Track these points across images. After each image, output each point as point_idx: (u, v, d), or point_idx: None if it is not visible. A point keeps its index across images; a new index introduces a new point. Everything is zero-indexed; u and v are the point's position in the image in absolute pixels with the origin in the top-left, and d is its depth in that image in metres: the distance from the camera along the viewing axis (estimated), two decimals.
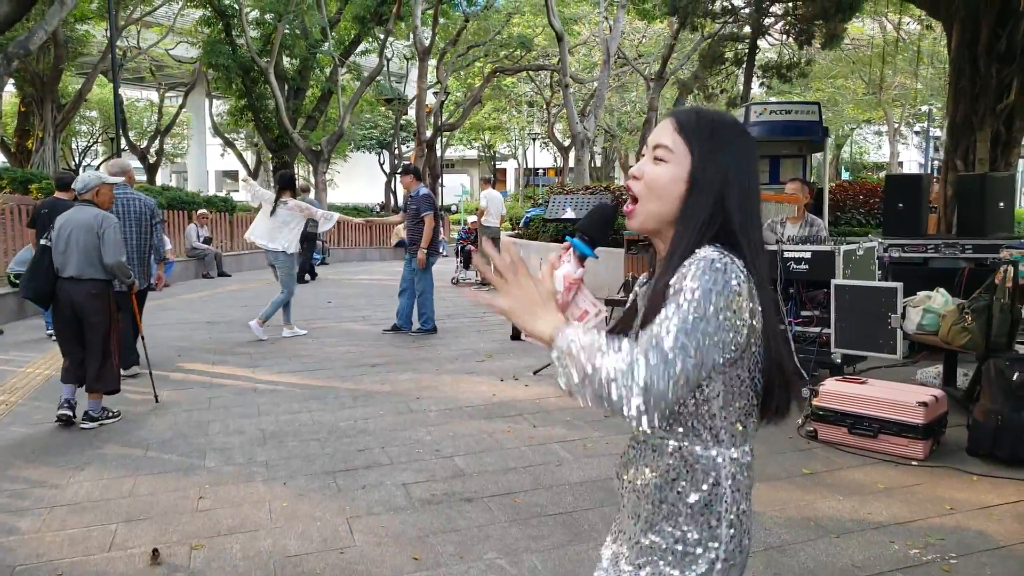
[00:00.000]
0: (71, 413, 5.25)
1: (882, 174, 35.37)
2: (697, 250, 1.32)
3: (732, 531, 1.39)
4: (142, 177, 33.51)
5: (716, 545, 1.37)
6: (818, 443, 4.66)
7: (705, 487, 1.38)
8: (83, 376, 5.26)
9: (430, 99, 24.86)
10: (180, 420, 5.38)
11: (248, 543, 3.39)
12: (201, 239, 15.86)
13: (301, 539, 3.43)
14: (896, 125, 33.57)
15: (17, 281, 9.96)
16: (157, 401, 5.88)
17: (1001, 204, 6.74)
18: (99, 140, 37.16)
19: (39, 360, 7.42)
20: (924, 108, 29.14)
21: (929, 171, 29.01)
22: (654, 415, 1.19)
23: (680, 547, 1.38)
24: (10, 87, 20.52)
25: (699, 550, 1.37)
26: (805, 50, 14.37)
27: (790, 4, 13.14)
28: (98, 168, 20.27)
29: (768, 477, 4.12)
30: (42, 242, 5.30)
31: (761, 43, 15.50)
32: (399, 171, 8.50)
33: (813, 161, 9.59)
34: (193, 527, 3.57)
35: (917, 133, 35.88)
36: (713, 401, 1.37)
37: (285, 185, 8.35)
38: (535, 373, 6.48)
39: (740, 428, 1.40)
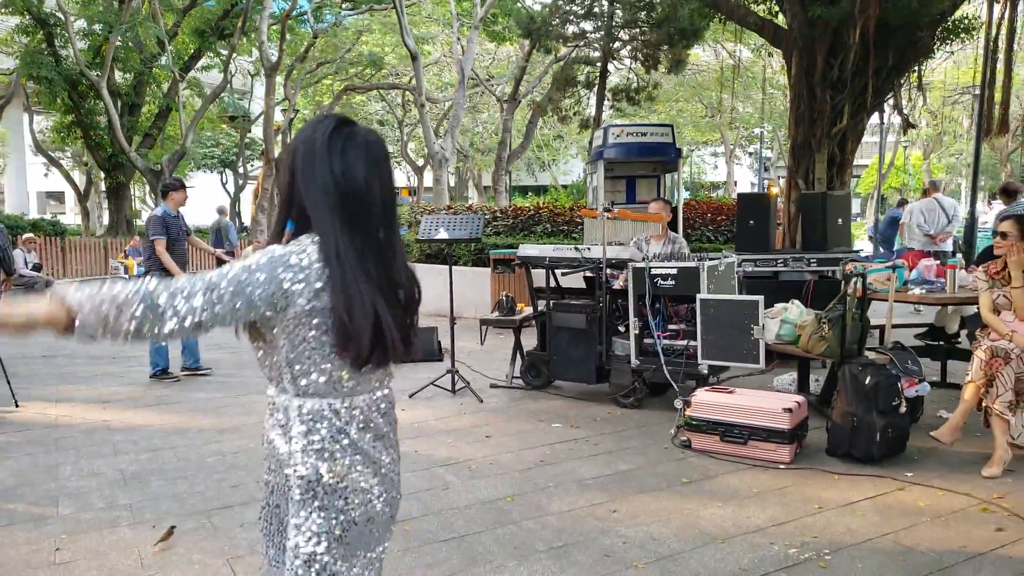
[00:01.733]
0: None
1: (719, 192, 37.73)
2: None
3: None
4: None
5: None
6: (692, 452, 4.88)
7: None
8: None
9: (278, 116, 24.17)
10: (24, 465, 4.90)
11: None
12: (29, 266, 14.61)
13: None
14: (732, 147, 35.97)
15: None
16: (17, 406, 6.25)
17: (839, 220, 7.38)
18: None
19: None
20: (757, 131, 31.37)
21: (760, 189, 31.24)
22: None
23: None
24: None
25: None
26: (651, 74, 15.14)
27: (638, 30, 13.83)
28: None
29: (651, 488, 4.27)
30: None
31: (610, 67, 16.20)
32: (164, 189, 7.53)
33: (667, 180, 10.09)
34: None
35: (750, 154, 38.54)
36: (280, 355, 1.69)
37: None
38: (410, 397, 6.41)
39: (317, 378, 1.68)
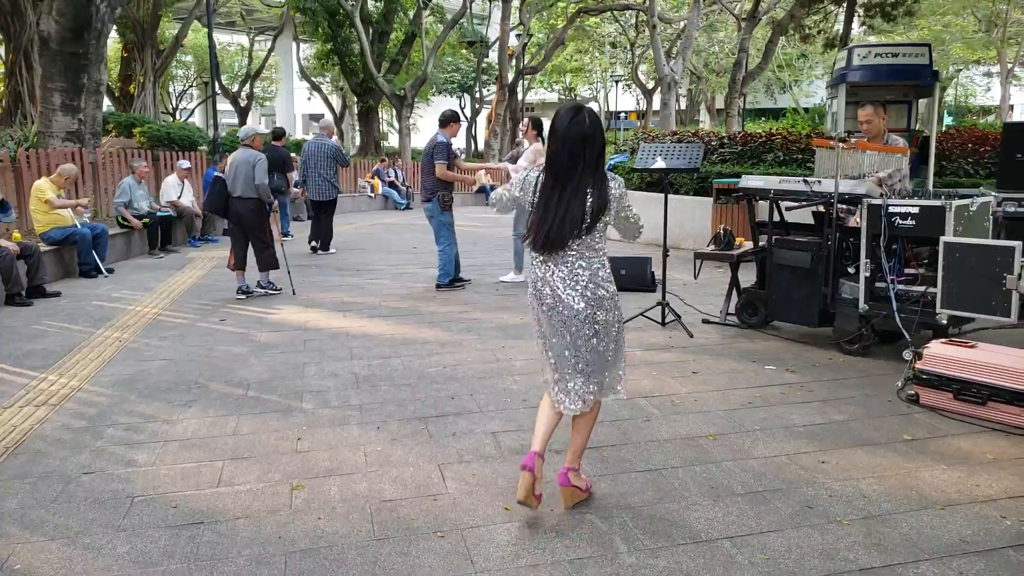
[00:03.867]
0: (245, 292, 7.91)
1: (989, 118, 33.18)
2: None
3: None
4: (233, 121, 34.38)
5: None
6: (920, 408, 4.47)
7: None
8: (244, 264, 7.93)
9: (512, 41, 24.46)
10: (278, 362, 5.56)
11: (345, 486, 3.49)
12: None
13: (395, 484, 3.51)
14: (1010, 66, 31.30)
15: (124, 222, 10.41)
16: (294, 294, 8.07)
17: None
18: (194, 84, 38.18)
19: (147, 300, 7.78)
20: None
21: None
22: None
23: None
24: (113, 34, 21.17)
25: None
26: None
27: None
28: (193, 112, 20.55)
29: (866, 442, 3.99)
30: (216, 173, 8.18)
31: None
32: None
33: (920, 107, 9.02)
34: (293, 468, 3.70)
35: None
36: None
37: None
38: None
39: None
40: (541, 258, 3.13)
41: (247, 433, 4.17)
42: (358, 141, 30.20)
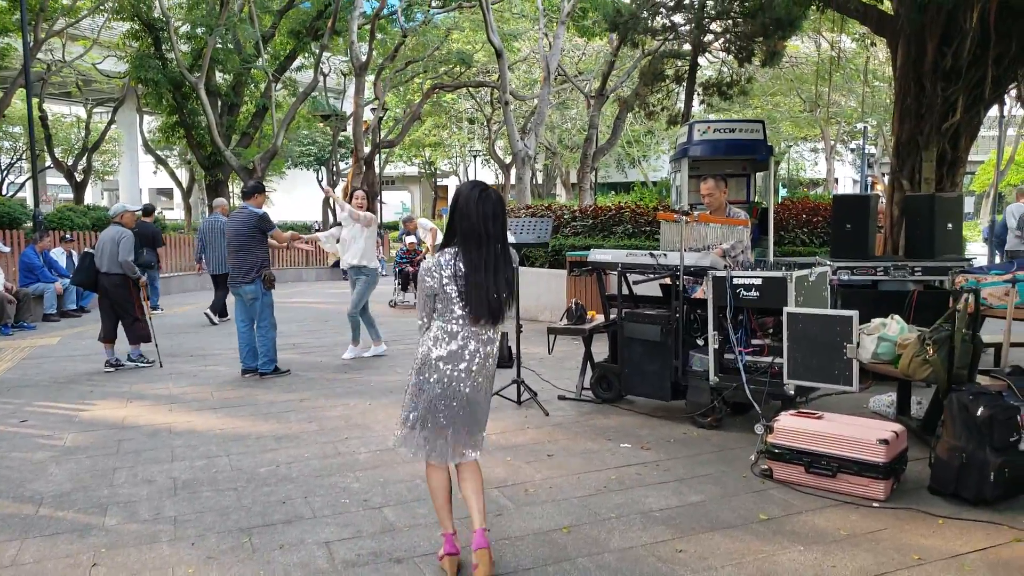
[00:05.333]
0: (114, 365, 8.17)
1: (819, 190, 36.08)
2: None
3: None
4: (68, 195, 32.16)
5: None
6: (774, 483, 4.40)
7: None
8: (113, 336, 8.20)
9: (368, 115, 24.39)
10: (83, 468, 4.86)
11: None
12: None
13: None
14: (832, 143, 34.30)
15: None
16: (161, 366, 8.28)
17: (949, 225, 6.65)
18: (23, 156, 35.59)
19: None
20: (860, 126, 29.75)
21: (864, 188, 29.61)
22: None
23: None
24: None
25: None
26: (745, 68, 14.40)
27: (730, 22, 13.12)
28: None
29: (723, 524, 3.83)
30: (85, 249, 8.84)
31: (701, 60, 15.51)
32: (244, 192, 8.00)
33: (757, 180, 9.47)
34: None
35: (852, 150, 36.73)
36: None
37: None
38: None
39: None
40: (462, 340, 3.24)
41: (29, 563, 3.52)
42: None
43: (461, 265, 3.16)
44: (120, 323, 8.18)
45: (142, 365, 8.30)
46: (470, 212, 3.15)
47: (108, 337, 8.19)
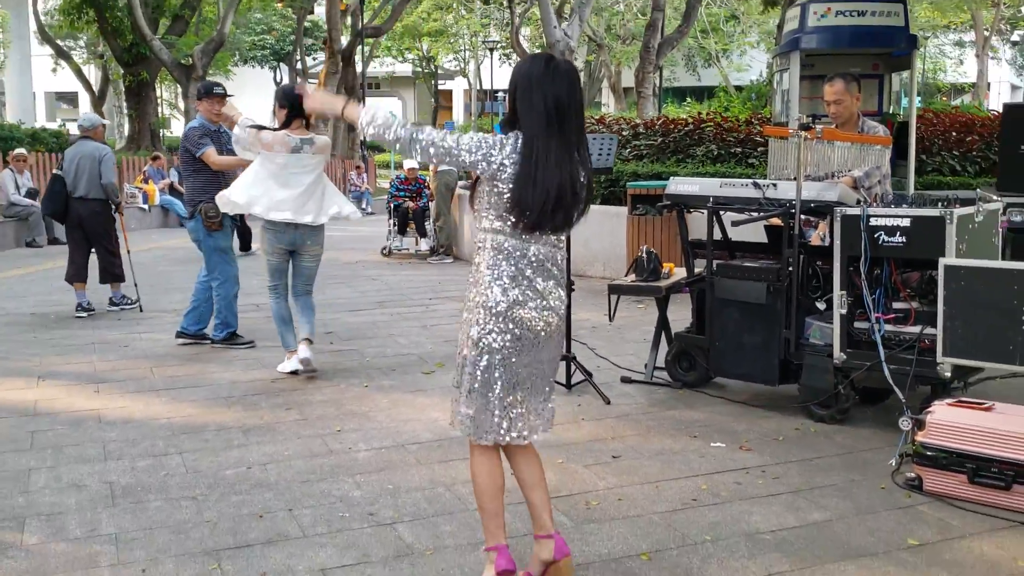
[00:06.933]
0: (87, 309, 9.15)
1: (965, 99, 35.67)
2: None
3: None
4: None
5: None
6: (924, 496, 4.45)
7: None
8: (85, 276, 9.21)
9: None
10: None
11: None
12: (22, 191, 15.28)
13: None
14: (986, 32, 33.78)
15: None
16: (141, 310, 9.38)
17: None
18: None
19: None
20: None
21: None
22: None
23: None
24: None
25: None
26: None
27: None
28: None
29: (857, 552, 3.89)
30: (54, 171, 9.56)
31: None
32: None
33: (893, 83, 9.39)
34: None
35: (1015, 43, 36.20)
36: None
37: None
38: None
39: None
40: (529, 257, 3.31)
41: None
42: (126, 130, 29.12)
43: (517, 153, 3.20)
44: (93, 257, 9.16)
45: (127, 307, 9.37)
46: (534, 99, 3.17)
47: (79, 276, 9.10)
